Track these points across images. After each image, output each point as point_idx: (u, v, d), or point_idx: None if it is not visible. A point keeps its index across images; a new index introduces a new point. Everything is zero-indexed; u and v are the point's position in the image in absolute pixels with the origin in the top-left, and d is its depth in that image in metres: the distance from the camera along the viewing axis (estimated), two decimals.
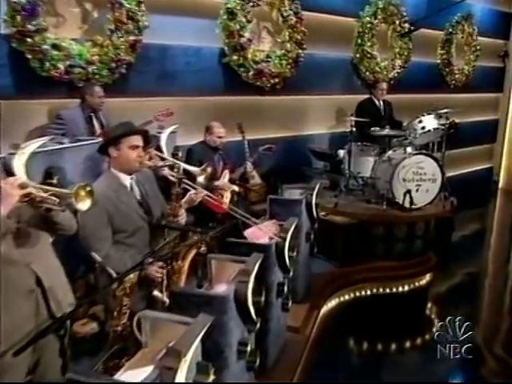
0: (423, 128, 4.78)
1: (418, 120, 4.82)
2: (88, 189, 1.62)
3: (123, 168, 2.46)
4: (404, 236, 4.88)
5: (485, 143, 8.70)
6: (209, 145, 4.16)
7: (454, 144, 6.29)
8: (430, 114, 4.82)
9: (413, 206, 4.67)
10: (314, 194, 3.69)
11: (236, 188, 3.60)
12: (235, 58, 4.86)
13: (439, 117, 4.82)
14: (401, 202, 4.69)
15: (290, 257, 2.85)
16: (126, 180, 2.49)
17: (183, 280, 2.29)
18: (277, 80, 5.23)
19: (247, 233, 2.93)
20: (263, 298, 2.23)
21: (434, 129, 4.79)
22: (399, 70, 6.58)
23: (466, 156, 8.11)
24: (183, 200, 2.81)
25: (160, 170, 2.92)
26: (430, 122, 4.80)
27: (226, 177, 4.09)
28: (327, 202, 4.86)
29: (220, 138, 4.14)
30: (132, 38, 4.09)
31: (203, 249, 2.09)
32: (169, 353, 1.38)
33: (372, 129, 4.99)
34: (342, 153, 5.42)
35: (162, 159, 3.04)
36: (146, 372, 1.43)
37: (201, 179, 2.93)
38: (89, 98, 3.77)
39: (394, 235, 4.85)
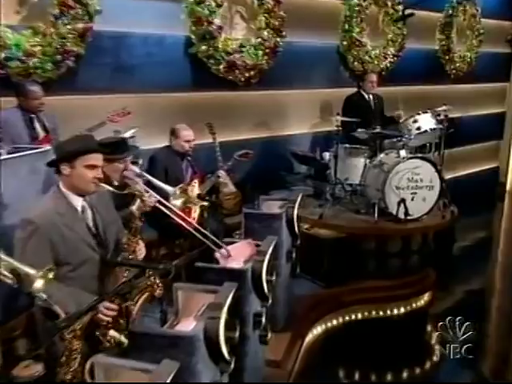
0: (419, 128, 4.92)
1: (412, 119, 4.96)
2: (51, 275, 1.66)
3: (75, 188, 2.44)
4: (399, 251, 5.01)
5: (490, 140, 8.95)
6: (175, 150, 4.19)
7: (455, 142, 6.48)
8: (426, 112, 4.98)
9: (408, 217, 4.79)
10: (296, 206, 3.76)
11: (206, 203, 3.64)
12: (204, 48, 4.91)
13: (437, 115, 4.97)
14: (394, 213, 4.81)
15: (268, 282, 2.90)
16: (77, 202, 2.46)
17: (138, 309, 2.31)
18: (252, 73, 5.30)
19: (219, 255, 2.98)
20: (237, 333, 2.27)
21: (431, 129, 4.94)
22: (392, 60, 6.73)
23: (468, 155, 8.35)
24: (134, 207, 2.82)
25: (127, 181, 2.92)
26: (426, 121, 4.94)
27: (195, 187, 4.12)
28: (311, 213, 4.95)
29: (188, 142, 4.16)
30: (81, 24, 4.09)
31: (158, 292, 2.11)
32: None
33: (359, 131, 5.10)
34: (327, 156, 5.54)
35: (138, 175, 3.04)
36: None
37: (178, 203, 2.92)
38: (24, 101, 3.73)
39: (388, 250, 4.98)
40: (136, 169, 3.24)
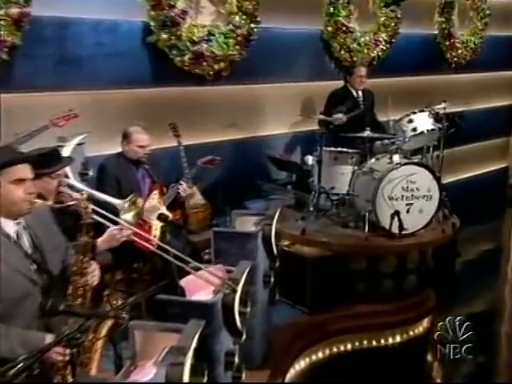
0: (414, 130, 5.03)
1: (407, 119, 5.07)
2: None
3: (4, 211, 2.39)
4: (393, 271, 5.09)
5: (498, 137, 9.16)
6: (128, 157, 4.20)
7: (458, 140, 6.60)
8: (423, 111, 5.08)
9: (403, 232, 4.86)
10: (274, 222, 3.80)
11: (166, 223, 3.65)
12: (165, 36, 4.91)
13: (436, 114, 5.09)
14: (387, 227, 4.88)
15: (241, 314, 2.93)
16: (9, 227, 2.42)
17: (96, 361, 2.33)
18: (222, 65, 5.33)
19: (185, 282, 3.00)
20: (205, 379, 2.30)
21: (429, 130, 5.06)
22: (384, 47, 6.83)
23: (472, 155, 8.53)
24: (100, 239, 2.82)
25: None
26: (423, 121, 5.05)
27: (154, 200, 4.14)
28: (292, 228, 5.01)
29: (142, 147, 4.17)
30: (15, 9, 4.04)
31: (123, 316, 2.13)
32: None
33: (335, 116, 5.17)
34: (310, 160, 5.61)
35: (72, 188, 3.03)
36: None
37: (129, 217, 2.93)
38: None
39: (381, 270, 5.06)
40: (70, 181, 3.22)
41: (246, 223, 3.96)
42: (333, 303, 4.66)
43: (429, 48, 7.59)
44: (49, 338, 2.21)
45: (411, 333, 4.79)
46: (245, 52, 5.49)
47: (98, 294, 2.54)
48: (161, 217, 3.41)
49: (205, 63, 5.18)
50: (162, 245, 2.88)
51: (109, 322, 2.29)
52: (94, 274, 2.56)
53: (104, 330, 2.31)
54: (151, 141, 4.25)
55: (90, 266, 2.53)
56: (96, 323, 2.25)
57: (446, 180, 6.40)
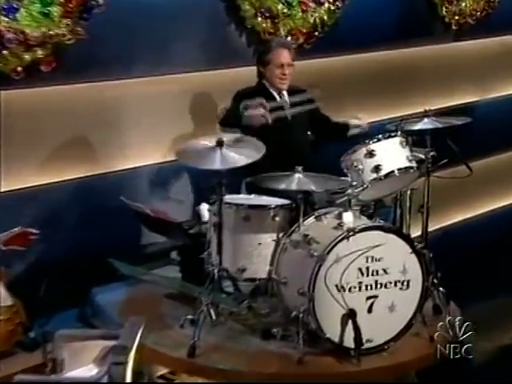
0: (377, 169, 5.01)
1: (365, 150, 5.04)
2: None
3: None
4: None
5: None
6: None
7: (461, 153, 6.67)
8: (390, 136, 5.12)
9: (363, 347, 4.84)
10: (131, 356, 3.68)
11: None
12: None
13: (415, 136, 5.19)
14: (336, 339, 4.87)
15: None
16: None
17: None
18: (40, 53, 5.26)
19: None
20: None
21: (401, 169, 5.07)
22: (333, 6, 6.90)
23: (489, 175, 8.72)
24: None
25: None
26: (391, 154, 5.08)
27: None
28: (173, 344, 4.96)
29: None
30: None
31: None
32: None
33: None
34: (206, 212, 5.59)
35: None
36: None
37: None
38: None
39: None
40: None
41: (81, 354, 3.89)
42: None
43: (412, 2, 7.78)
44: None
45: None
46: (82, 29, 5.41)
47: None
48: None
49: (6, 52, 5.10)
50: None
51: None
52: None
53: None
54: None
55: None
56: None
57: (440, 224, 6.51)
